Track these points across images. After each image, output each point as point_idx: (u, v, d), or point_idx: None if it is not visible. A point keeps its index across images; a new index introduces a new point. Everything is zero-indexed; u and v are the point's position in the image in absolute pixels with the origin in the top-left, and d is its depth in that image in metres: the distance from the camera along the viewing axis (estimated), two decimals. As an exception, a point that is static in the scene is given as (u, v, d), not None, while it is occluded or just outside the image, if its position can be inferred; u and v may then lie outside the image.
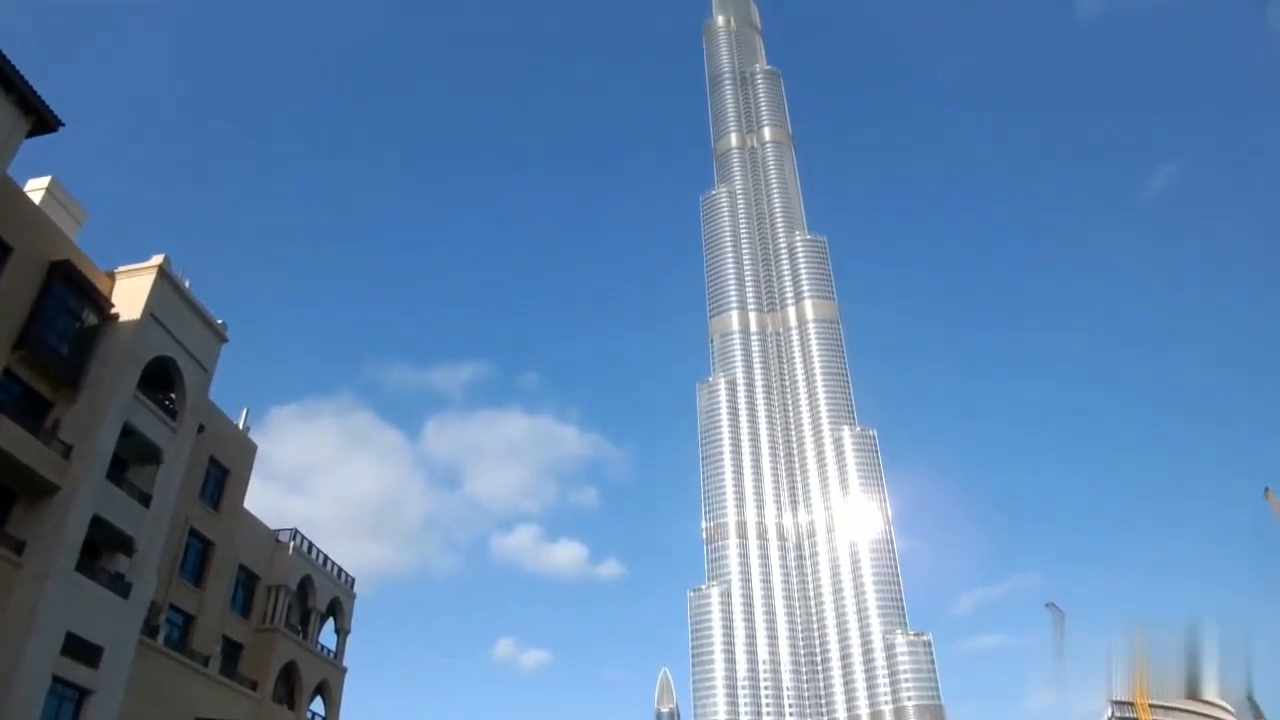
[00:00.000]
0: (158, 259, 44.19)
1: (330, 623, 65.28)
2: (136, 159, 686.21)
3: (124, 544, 41.27)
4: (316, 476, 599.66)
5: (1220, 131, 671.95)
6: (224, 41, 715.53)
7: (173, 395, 46.24)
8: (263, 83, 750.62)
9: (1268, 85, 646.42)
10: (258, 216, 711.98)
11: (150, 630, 43.57)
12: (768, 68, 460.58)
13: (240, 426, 57.32)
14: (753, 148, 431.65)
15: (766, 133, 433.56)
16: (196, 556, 50.68)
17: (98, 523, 39.26)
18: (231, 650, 53.26)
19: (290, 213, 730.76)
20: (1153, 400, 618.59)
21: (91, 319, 41.57)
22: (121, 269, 43.96)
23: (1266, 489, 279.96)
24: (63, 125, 38.87)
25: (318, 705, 61.88)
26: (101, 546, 40.73)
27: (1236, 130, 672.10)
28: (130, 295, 43.18)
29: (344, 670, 64.46)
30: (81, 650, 37.41)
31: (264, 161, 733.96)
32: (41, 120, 38.09)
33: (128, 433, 41.88)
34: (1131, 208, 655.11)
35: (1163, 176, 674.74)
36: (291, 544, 59.48)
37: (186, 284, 46.82)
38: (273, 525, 59.97)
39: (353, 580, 66.72)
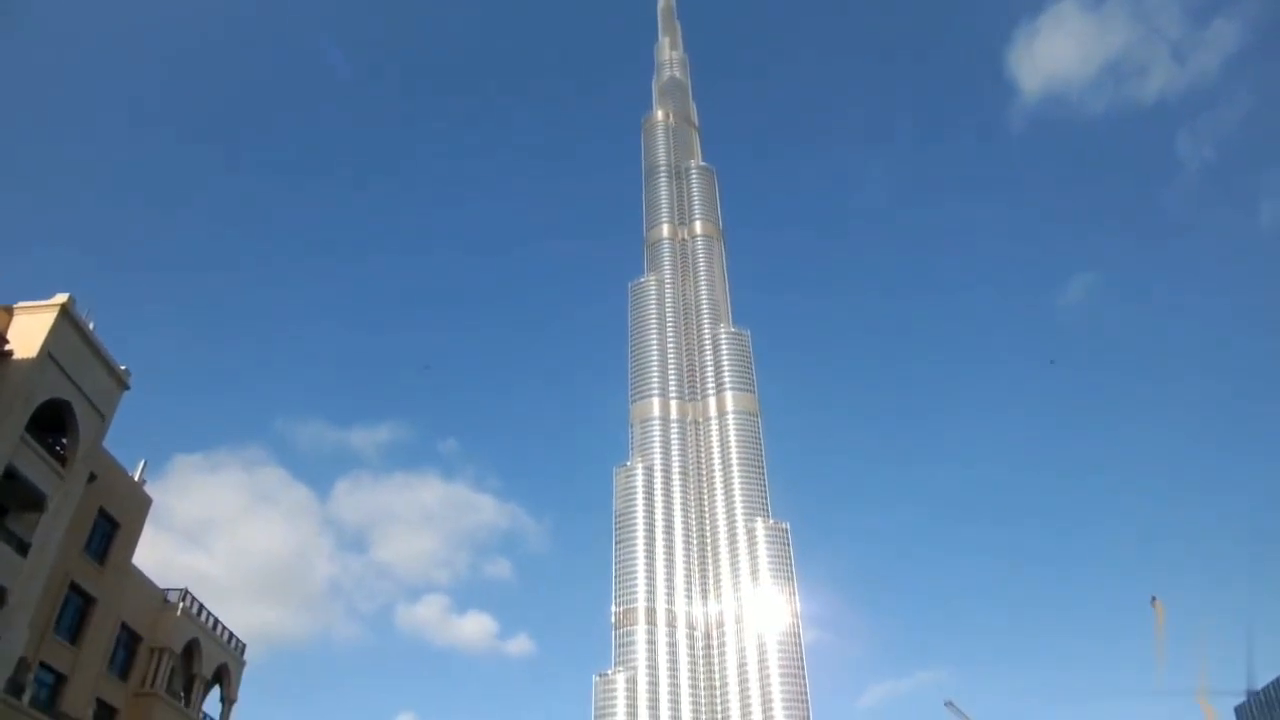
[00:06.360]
0: (61, 297, 42.84)
1: (216, 690, 62.22)
2: (56, 184, 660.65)
3: (-5, 593, 39.04)
4: (217, 531, 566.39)
5: (1134, 248, 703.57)
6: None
7: (64, 440, 44.38)
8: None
9: (1178, 207, 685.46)
10: (178, 251, 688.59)
11: (15, 689, 40.97)
12: (702, 164, 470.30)
13: (136, 478, 55.08)
14: (683, 240, 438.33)
15: (698, 226, 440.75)
16: (75, 612, 48.09)
17: (-32, 568, 37.18)
18: (105, 714, 50.40)
19: (217, 250, 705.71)
20: (1072, 488, 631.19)
21: (-17, 354, 39.91)
22: (21, 305, 42.49)
23: (1154, 597, 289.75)
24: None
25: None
26: (-30, 595, 38.50)
27: (1148, 248, 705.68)
28: (28, 333, 41.64)
29: (225, 743, 61.22)
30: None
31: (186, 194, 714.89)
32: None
33: (10, 476, 39.97)
34: (1048, 311, 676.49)
35: (1080, 284, 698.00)
36: (180, 605, 56.86)
37: (91, 325, 45.37)
38: (165, 581, 57.40)
39: (243, 646, 63.87)
